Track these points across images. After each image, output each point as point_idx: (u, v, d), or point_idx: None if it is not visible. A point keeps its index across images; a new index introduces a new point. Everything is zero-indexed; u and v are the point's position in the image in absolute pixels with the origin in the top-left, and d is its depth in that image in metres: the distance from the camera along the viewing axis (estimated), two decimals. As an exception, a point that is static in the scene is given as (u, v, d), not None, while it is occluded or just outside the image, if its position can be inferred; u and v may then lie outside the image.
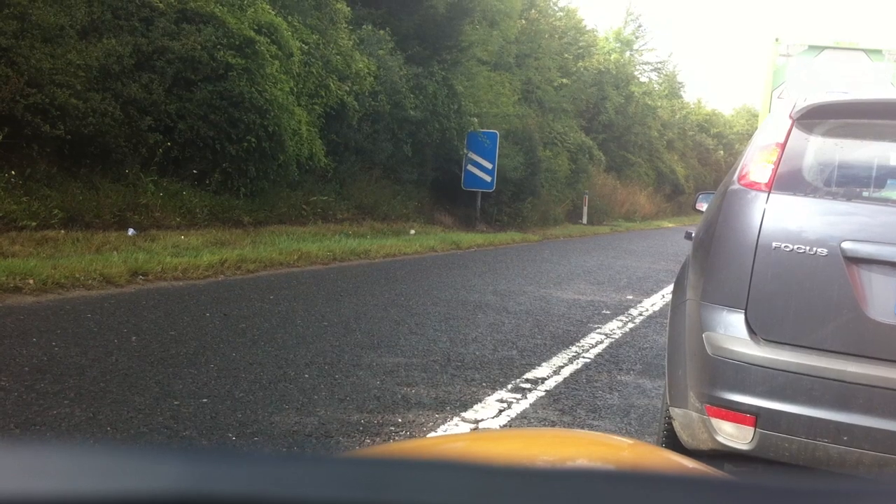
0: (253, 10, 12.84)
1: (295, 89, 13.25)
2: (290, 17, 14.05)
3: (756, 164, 3.12)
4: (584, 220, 25.98)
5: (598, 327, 7.61)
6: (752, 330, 2.94)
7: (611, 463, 1.31)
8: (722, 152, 47.82)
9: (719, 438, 2.96)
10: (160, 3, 11.46)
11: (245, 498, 0.54)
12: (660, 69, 43.50)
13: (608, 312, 8.57)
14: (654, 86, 42.12)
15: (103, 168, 10.49)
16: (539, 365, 5.82)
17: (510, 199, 20.83)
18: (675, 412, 3.17)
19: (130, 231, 9.73)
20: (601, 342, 6.91)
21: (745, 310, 2.95)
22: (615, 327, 7.72)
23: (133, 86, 10.72)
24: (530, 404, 4.83)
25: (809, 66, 11.24)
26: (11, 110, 9.08)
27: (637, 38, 40.64)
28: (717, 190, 3.69)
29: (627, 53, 39.79)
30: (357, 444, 3.87)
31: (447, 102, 17.99)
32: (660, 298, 9.99)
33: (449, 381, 5.12)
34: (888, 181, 3.11)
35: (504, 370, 5.56)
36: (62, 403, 3.98)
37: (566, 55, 30.54)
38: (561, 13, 32.31)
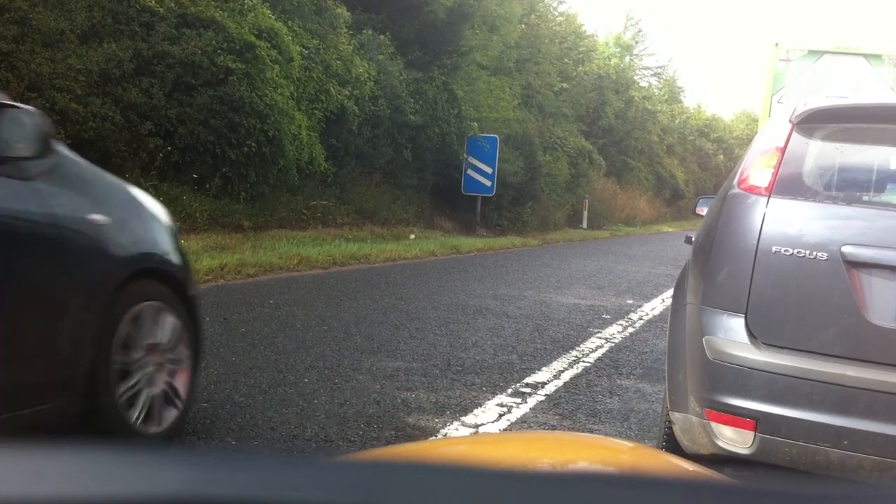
0: (253, 14, 12.86)
1: (295, 94, 13.27)
2: (290, 21, 14.07)
3: (756, 168, 3.12)
4: (585, 224, 25.99)
5: (598, 332, 7.60)
6: (752, 334, 2.94)
7: (611, 466, 1.31)
8: (722, 157, 47.88)
9: (719, 443, 2.95)
10: (160, 7, 11.48)
11: (244, 501, 0.54)
12: (660, 74, 43.57)
13: (608, 317, 8.57)
14: (654, 90, 42.18)
15: (103, 172, 10.49)
16: (539, 369, 5.82)
17: (510, 203, 20.83)
18: (676, 416, 3.17)
19: (130, 235, 9.72)
20: (601, 346, 6.90)
21: (746, 314, 2.95)
22: (615, 332, 7.72)
23: (133, 90, 10.74)
24: (530, 409, 4.82)
25: (809, 71, 11.24)
26: (12, 115, 9.08)
27: (637, 42, 40.70)
28: (717, 194, 3.69)
29: (627, 58, 39.84)
30: (357, 448, 3.87)
31: (447, 107, 18.01)
32: (660, 303, 9.99)
33: (449, 386, 5.12)
34: (888, 185, 3.11)
35: (504, 375, 5.56)
36: (62, 408, 3.98)
37: (566, 60, 30.58)
38: (561, 18, 32.36)
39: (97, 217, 3.33)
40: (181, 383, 3.69)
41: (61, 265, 3.13)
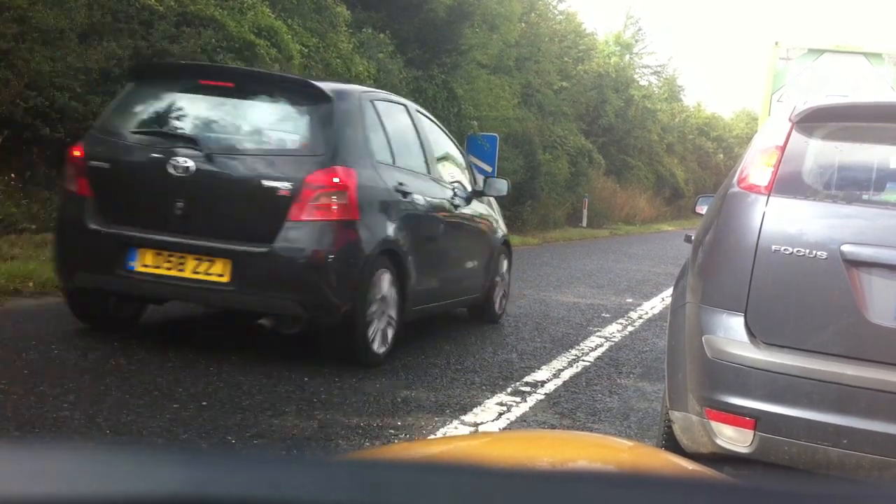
0: (253, 13, 12.85)
1: (295, 92, 13.25)
2: (290, 20, 14.06)
3: (756, 167, 3.12)
4: (584, 223, 25.97)
5: (598, 330, 7.61)
6: (751, 333, 2.94)
7: (611, 465, 1.31)
8: (721, 156, 47.83)
9: (719, 442, 2.95)
10: (160, 6, 11.47)
11: (244, 500, 0.54)
12: (659, 73, 43.52)
13: (608, 316, 8.57)
14: (654, 89, 42.13)
15: (103, 171, 10.49)
16: (538, 368, 5.82)
17: (510, 202, 20.77)
18: (675, 415, 3.17)
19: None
20: (601, 345, 6.90)
21: (745, 313, 2.95)
22: (615, 330, 7.72)
23: (133, 89, 10.72)
24: (530, 408, 4.82)
25: (809, 70, 11.23)
26: (11, 113, 9.08)
27: (637, 41, 40.65)
28: (716, 193, 3.69)
29: (627, 57, 39.79)
30: (356, 447, 3.87)
31: (447, 106, 18.00)
32: (659, 302, 9.99)
33: (448, 384, 5.12)
34: (888, 184, 3.11)
35: (503, 373, 5.56)
36: (61, 406, 3.98)
37: (566, 59, 30.55)
38: (561, 17, 32.33)
39: (495, 215, 7.58)
40: (504, 297, 7.78)
41: (488, 235, 7.26)
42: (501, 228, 7.66)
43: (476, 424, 4.39)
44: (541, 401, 4.99)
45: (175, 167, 4.98)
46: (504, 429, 4.38)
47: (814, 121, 3.16)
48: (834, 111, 3.22)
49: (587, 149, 28.39)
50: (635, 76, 39.72)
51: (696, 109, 49.66)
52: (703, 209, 5.10)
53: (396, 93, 16.51)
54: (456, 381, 5.21)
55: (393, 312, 5.43)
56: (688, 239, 6.00)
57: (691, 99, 75.40)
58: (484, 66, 21.05)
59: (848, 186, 3.10)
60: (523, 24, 26.14)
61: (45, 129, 9.31)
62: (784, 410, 2.83)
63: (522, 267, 12.79)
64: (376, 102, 5.84)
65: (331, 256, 4.95)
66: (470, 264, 6.80)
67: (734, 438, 2.92)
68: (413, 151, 6.20)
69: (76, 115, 9.65)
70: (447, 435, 4.13)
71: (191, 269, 4.96)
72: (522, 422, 4.55)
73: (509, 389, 5.16)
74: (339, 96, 5.38)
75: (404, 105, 6.48)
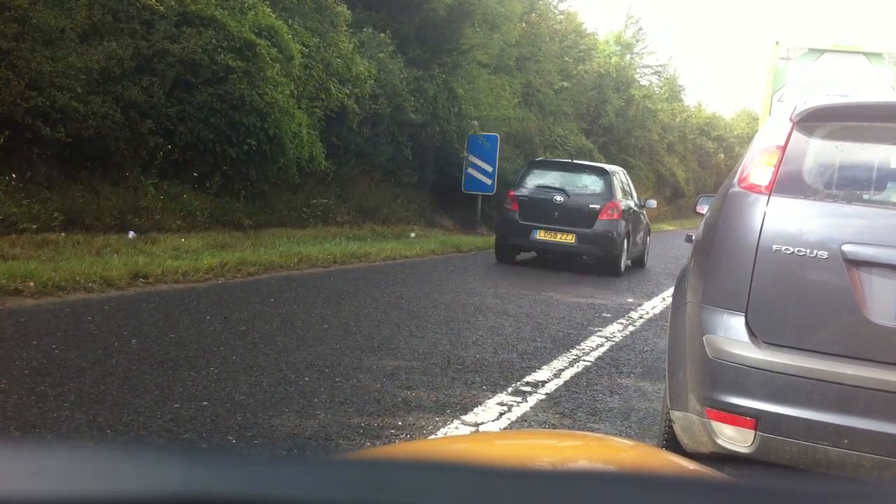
0: (253, 13, 12.86)
1: (295, 92, 13.26)
2: (290, 20, 14.06)
3: (756, 166, 3.12)
4: (585, 223, 25.93)
5: (599, 330, 7.61)
6: (752, 333, 2.94)
7: (612, 464, 1.31)
8: (722, 155, 47.84)
9: (720, 441, 2.95)
10: (161, 6, 11.47)
11: (245, 499, 0.54)
12: (660, 72, 43.53)
13: (608, 315, 8.57)
14: (655, 89, 42.13)
15: (104, 171, 10.50)
16: (539, 368, 5.82)
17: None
18: (676, 415, 3.17)
19: (130, 234, 9.73)
20: (601, 345, 6.90)
21: (746, 312, 2.95)
22: (615, 330, 7.72)
23: (133, 89, 10.73)
24: (530, 407, 4.82)
25: (810, 70, 11.23)
26: (12, 113, 9.09)
27: (637, 41, 40.66)
28: (717, 193, 3.69)
29: (628, 57, 39.80)
30: (357, 446, 3.87)
31: (447, 105, 17.99)
32: (660, 301, 9.99)
33: (449, 384, 5.12)
34: (888, 184, 3.11)
35: (504, 373, 5.56)
36: (62, 406, 3.98)
37: (566, 58, 30.55)
38: (561, 16, 32.33)
39: (645, 216, 15.28)
40: (647, 258, 15.37)
41: (644, 224, 14.96)
42: (647, 220, 15.37)
43: (477, 424, 4.39)
44: (542, 400, 4.99)
45: (554, 200, 12.49)
46: (505, 429, 4.39)
47: (814, 120, 3.16)
48: (834, 111, 3.22)
49: (588, 148, 28.38)
50: (636, 76, 39.73)
51: (697, 109, 49.67)
52: (703, 209, 5.09)
53: (397, 92, 16.69)
54: (456, 381, 5.21)
55: (625, 257, 12.80)
56: (688, 239, 6.00)
57: (692, 99, 75.35)
58: (484, 66, 21.04)
59: (848, 186, 3.11)
60: (524, 24, 26.13)
61: (45, 129, 9.32)
62: (784, 410, 2.83)
63: (522, 266, 12.79)
64: (619, 173, 13.80)
65: (613, 233, 12.37)
66: (639, 238, 14.06)
67: (735, 438, 2.92)
68: (625, 188, 13.76)
69: (77, 115, 9.66)
70: (447, 435, 4.13)
71: (559, 237, 12.37)
72: (523, 422, 4.55)
73: (510, 389, 5.16)
74: (611, 171, 13.33)
75: (622, 170, 14.82)
